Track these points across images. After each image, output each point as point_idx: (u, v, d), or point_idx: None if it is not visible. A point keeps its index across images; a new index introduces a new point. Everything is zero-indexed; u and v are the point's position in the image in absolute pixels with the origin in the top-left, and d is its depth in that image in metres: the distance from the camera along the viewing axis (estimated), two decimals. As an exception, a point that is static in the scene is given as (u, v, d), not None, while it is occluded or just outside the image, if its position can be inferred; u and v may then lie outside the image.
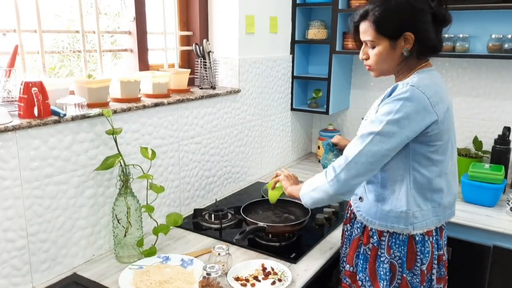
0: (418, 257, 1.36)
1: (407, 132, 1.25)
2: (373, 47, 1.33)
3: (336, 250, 1.67)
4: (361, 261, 1.43)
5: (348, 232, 1.52)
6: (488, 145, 2.30)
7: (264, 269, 1.48)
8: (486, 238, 1.84)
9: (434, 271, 1.40)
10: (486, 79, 2.34)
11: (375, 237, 1.40)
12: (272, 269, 1.48)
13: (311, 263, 1.57)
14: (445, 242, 1.48)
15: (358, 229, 1.46)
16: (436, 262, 1.40)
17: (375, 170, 1.30)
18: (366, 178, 1.32)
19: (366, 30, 1.33)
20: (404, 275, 1.37)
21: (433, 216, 1.37)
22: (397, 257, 1.37)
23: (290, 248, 1.65)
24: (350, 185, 1.31)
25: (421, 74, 1.32)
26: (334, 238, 1.75)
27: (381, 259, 1.39)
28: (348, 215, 1.54)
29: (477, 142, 2.30)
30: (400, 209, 1.34)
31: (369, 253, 1.42)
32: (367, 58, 1.37)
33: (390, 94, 1.29)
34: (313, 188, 1.40)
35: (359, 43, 1.41)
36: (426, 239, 1.37)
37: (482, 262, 1.87)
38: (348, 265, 1.48)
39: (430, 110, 1.25)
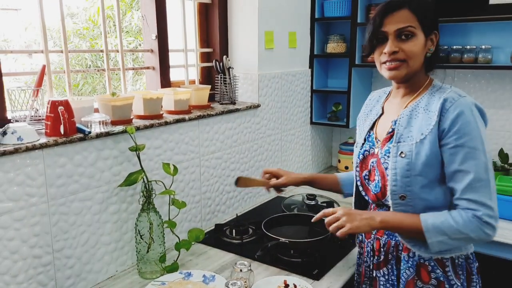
0: (473, 276, 1.28)
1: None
2: (410, 37, 1.21)
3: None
4: None
5: (387, 277, 1.33)
6: (514, 158, 2.25)
7: (286, 285, 1.46)
8: (516, 254, 1.79)
9: (478, 286, 1.32)
10: (510, 90, 2.29)
11: (437, 271, 1.25)
12: (295, 286, 1.46)
13: (335, 280, 1.54)
14: None
15: (411, 269, 1.27)
16: (476, 275, 1.31)
17: None
18: None
19: (406, 17, 1.20)
20: None
21: None
22: (459, 285, 1.26)
23: (313, 264, 1.63)
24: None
25: (443, 85, 1.28)
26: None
27: None
28: (384, 257, 1.33)
29: (503, 155, 2.25)
30: None
31: None
32: (398, 51, 1.21)
33: (441, 111, 1.19)
34: (456, 238, 1.20)
35: (372, 42, 1.27)
36: (472, 255, 1.30)
37: (511, 278, 1.81)
38: None
39: (485, 114, 1.23)
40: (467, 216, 1.17)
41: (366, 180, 1.38)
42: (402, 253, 1.30)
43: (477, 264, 1.32)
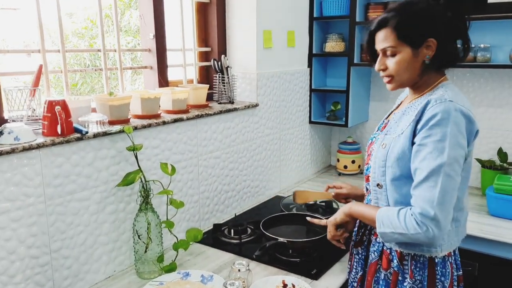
0: (438, 280, 1.29)
1: (466, 148, 1.21)
2: (393, 55, 1.26)
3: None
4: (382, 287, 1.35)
5: (359, 256, 1.44)
6: (513, 157, 2.25)
7: (285, 285, 1.46)
8: (514, 253, 1.78)
9: None
10: (509, 89, 2.29)
11: (395, 261, 1.31)
12: (293, 286, 1.46)
13: (333, 279, 1.54)
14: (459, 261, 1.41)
15: (375, 253, 1.36)
16: (456, 283, 1.33)
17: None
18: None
19: (386, 37, 1.25)
20: None
21: (455, 236, 1.31)
22: (418, 281, 1.29)
23: (311, 264, 1.63)
24: (448, 223, 1.19)
25: (448, 87, 1.26)
26: (356, 253, 1.72)
27: (404, 284, 1.30)
28: (360, 237, 1.45)
29: (501, 154, 2.25)
30: None
31: (390, 278, 1.32)
32: (385, 69, 1.30)
33: (423, 111, 1.21)
34: (399, 233, 1.21)
35: (371, 55, 1.36)
36: (446, 260, 1.30)
37: (510, 278, 1.80)
38: None
39: (473, 122, 1.22)
40: (408, 212, 1.20)
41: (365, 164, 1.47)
42: (372, 236, 1.39)
43: (458, 272, 1.33)
